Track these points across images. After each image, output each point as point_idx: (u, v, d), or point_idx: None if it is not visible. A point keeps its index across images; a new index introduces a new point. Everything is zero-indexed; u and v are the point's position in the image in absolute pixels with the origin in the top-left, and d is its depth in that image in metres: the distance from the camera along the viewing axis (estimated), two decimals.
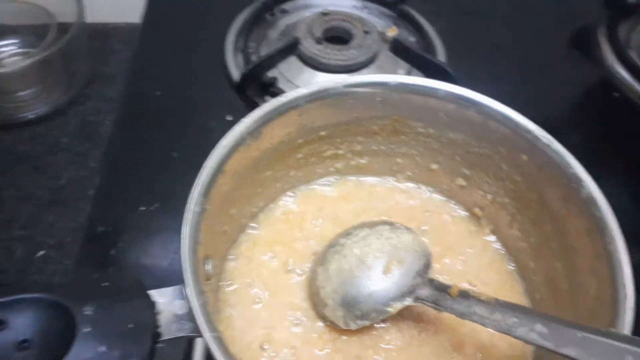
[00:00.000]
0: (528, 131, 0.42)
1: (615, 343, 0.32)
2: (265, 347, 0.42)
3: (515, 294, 0.46)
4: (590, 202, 0.39)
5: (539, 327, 0.34)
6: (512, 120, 0.43)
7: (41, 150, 0.72)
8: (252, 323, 0.43)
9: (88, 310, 0.29)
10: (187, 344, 0.53)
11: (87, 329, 0.29)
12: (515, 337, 0.35)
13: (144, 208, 0.61)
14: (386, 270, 0.41)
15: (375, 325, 0.42)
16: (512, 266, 0.48)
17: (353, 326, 0.41)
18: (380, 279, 0.41)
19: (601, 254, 0.37)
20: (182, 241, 0.33)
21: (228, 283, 0.45)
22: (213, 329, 0.31)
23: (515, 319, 0.35)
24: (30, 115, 0.74)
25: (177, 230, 0.59)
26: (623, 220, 0.37)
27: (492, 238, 0.49)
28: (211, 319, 0.31)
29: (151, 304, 0.32)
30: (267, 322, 0.43)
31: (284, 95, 0.41)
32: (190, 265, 0.33)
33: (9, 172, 0.69)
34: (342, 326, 0.41)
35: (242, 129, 0.39)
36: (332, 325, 0.43)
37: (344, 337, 0.43)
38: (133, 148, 0.67)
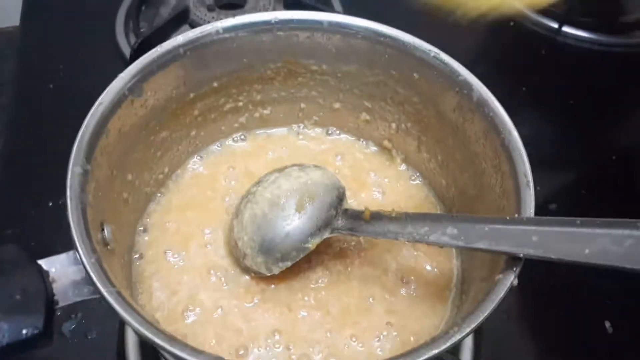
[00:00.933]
0: (415, 48, 0.42)
1: (520, 227, 0.32)
2: (191, 308, 0.40)
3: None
4: (482, 104, 0.39)
5: (449, 229, 0.34)
6: (398, 39, 0.43)
7: None
8: (174, 290, 0.42)
9: None
10: (119, 334, 0.51)
11: None
12: (429, 243, 0.35)
13: (52, 203, 0.58)
14: (299, 208, 0.40)
15: (301, 267, 0.42)
16: (427, 189, 0.48)
17: (276, 270, 0.40)
18: (294, 217, 0.40)
19: (500, 151, 0.38)
20: (67, 202, 0.31)
21: (141, 254, 0.43)
22: (109, 284, 0.29)
23: (426, 227, 0.35)
24: None
25: None
26: (528, 145, 0.37)
27: (404, 167, 0.50)
28: (109, 276, 0.30)
29: (40, 273, 0.29)
30: (189, 285, 0.42)
31: (160, 45, 0.40)
32: (77, 225, 0.30)
33: None
34: (265, 272, 0.40)
35: (119, 85, 0.37)
36: (257, 277, 0.42)
37: (272, 286, 0.42)
38: (32, 145, 0.64)
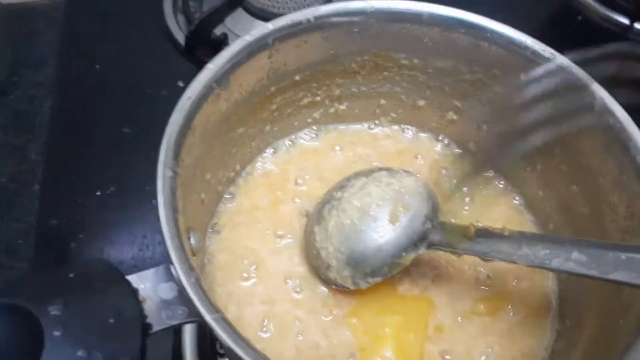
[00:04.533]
0: (526, 47, 0.38)
1: None
2: (266, 323, 0.37)
3: (525, 227, 0.43)
4: (605, 113, 0.35)
5: (575, 255, 0.30)
6: (506, 37, 0.39)
7: None
8: (247, 300, 0.38)
9: (55, 310, 0.23)
10: (175, 333, 0.47)
11: (57, 332, 0.23)
12: (551, 269, 0.31)
13: (99, 193, 0.54)
14: (393, 219, 0.36)
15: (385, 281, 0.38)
16: (518, 199, 0.44)
17: (364, 285, 0.36)
18: (387, 230, 0.36)
19: (627, 167, 0.34)
20: (159, 211, 0.28)
21: (212, 259, 0.40)
22: (214, 309, 0.25)
23: (547, 251, 0.32)
24: None
25: (141, 212, 0.54)
26: None
27: (492, 172, 0.46)
28: (210, 298, 0.26)
29: (133, 292, 0.26)
30: (263, 297, 0.38)
31: (250, 34, 0.36)
32: (173, 238, 0.27)
33: None
34: (351, 287, 0.36)
35: (207, 76, 0.34)
36: (336, 289, 0.38)
37: (353, 300, 0.38)
38: (78, 130, 0.60)
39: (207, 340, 0.48)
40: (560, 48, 0.39)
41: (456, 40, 0.40)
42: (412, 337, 0.38)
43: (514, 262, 0.32)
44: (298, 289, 0.39)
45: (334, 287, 0.38)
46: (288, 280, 0.39)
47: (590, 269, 0.30)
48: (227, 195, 0.43)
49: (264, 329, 0.37)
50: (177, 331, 0.48)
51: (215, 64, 0.34)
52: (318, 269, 0.38)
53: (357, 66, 0.42)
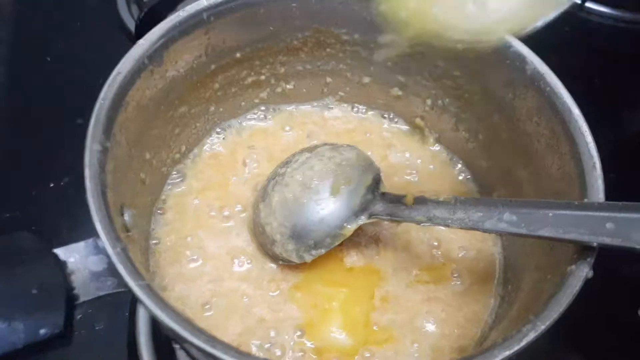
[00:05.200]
0: None
1: (592, 213, 0.29)
2: (214, 300, 0.37)
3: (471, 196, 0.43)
4: (538, 77, 0.36)
5: (507, 216, 0.31)
6: None
7: None
8: (194, 279, 0.38)
9: None
10: (129, 322, 0.47)
11: None
12: (483, 231, 0.32)
13: (52, 185, 0.54)
14: (334, 191, 0.36)
15: (334, 251, 0.38)
16: (463, 171, 0.45)
17: (308, 258, 0.36)
18: (329, 202, 0.36)
19: (558, 130, 0.34)
20: (86, 184, 0.27)
21: (158, 241, 0.40)
22: (139, 276, 0.25)
23: (480, 213, 0.32)
24: None
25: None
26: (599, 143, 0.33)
27: (438, 147, 0.46)
28: (137, 267, 0.26)
29: (59, 264, 0.26)
30: (211, 276, 0.39)
31: (184, 9, 0.35)
32: (98, 210, 0.27)
33: None
34: (296, 260, 0.37)
35: (139, 52, 0.33)
36: (283, 264, 0.39)
37: (300, 275, 0.39)
38: (31, 123, 0.59)
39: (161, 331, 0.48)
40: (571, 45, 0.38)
41: None
42: (359, 309, 0.38)
43: (448, 226, 0.33)
44: (245, 267, 0.39)
45: (280, 263, 0.38)
46: (235, 260, 0.39)
47: (520, 227, 0.30)
48: (173, 177, 0.42)
49: (209, 306, 0.37)
50: (132, 319, 0.48)
51: (147, 39, 0.34)
52: (264, 246, 0.38)
53: (299, 43, 0.42)
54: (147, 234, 0.39)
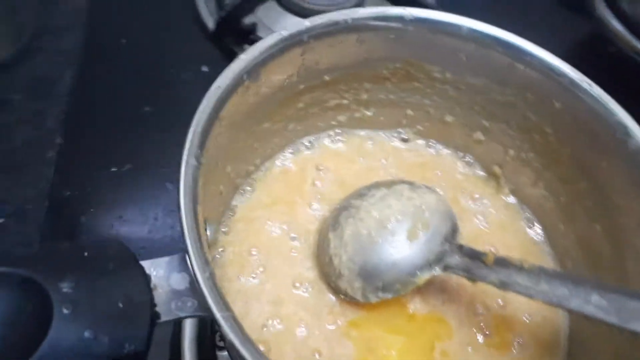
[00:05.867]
0: (563, 74, 0.37)
1: None
2: (271, 323, 0.36)
3: (541, 259, 0.42)
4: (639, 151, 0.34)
5: (595, 298, 0.30)
6: (543, 61, 0.38)
7: None
8: (255, 298, 0.38)
9: (66, 287, 0.23)
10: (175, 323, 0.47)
11: (66, 310, 0.23)
12: (569, 310, 0.30)
13: (115, 169, 0.54)
14: (411, 236, 0.36)
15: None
16: (537, 230, 0.44)
17: (373, 299, 0.36)
18: (404, 246, 0.35)
19: None
20: (180, 201, 0.27)
21: (223, 252, 0.39)
22: (224, 307, 0.25)
23: (565, 290, 0.31)
24: None
25: (155, 193, 0.54)
26: None
27: (513, 200, 0.45)
28: (223, 296, 0.25)
29: (146, 278, 0.25)
30: (271, 296, 0.38)
31: (285, 29, 0.35)
32: (191, 229, 0.26)
33: None
34: (361, 299, 0.36)
35: (239, 67, 0.33)
36: (344, 299, 0.38)
37: (360, 312, 0.38)
38: (98, 103, 0.60)
39: (207, 332, 0.48)
40: (595, 80, 0.38)
41: (491, 58, 0.39)
42: None
43: (531, 297, 0.32)
44: (305, 293, 0.38)
45: (342, 297, 0.38)
46: (297, 284, 0.39)
47: (610, 315, 0.29)
48: (243, 189, 0.42)
49: (268, 329, 0.37)
50: (177, 323, 0.48)
51: (248, 55, 0.34)
52: (328, 277, 0.38)
53: (389, 73, 0.42)
54: (215, 245, 0.38)
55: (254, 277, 0.38)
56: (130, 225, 0.50)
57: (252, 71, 0.34)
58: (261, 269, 0.39)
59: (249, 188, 0.42)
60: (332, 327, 0.37)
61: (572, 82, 0.37)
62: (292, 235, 0.41)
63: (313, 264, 0.39)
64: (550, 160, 0.41)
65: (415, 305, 0.38)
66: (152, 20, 0.67)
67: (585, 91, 0.37)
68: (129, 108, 0.59)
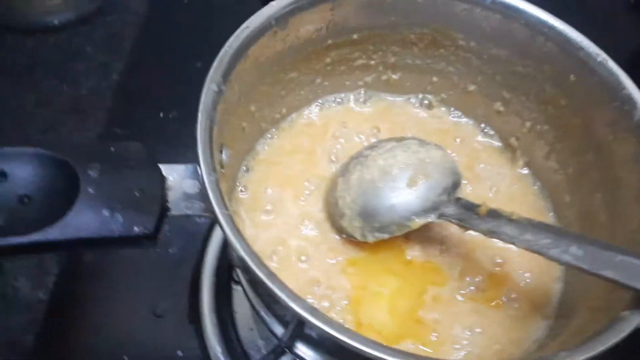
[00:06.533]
0: (580, 48, 0.39)
1: None
2: (278, 249, 0.40)
3: None
4: None
5: (573, 249, 0.31)
6: (563, 34, 0.39)
7: (63, 57, 0.70)
8: (266, 229, 0.41)
9: (93, 172, 0.27)
10: (197, 256, 0.52)
11: (90, 190, 0.27)
12: (547, 257, 0.32)
13: (162, 115, 0.59)
14: (411, 183, 0.38)
15: (398, 240, 0.40)
16: (545, 201, 0.45)
17: (370, 238, 0.38)
18: (404, 191, 0.38)
19: None
20: (198, 116, 0.31)
21: (243, 188, 0.43)
22: (225, 206, 0.29)
23: (548, 240, 0.32)
24: (55, 21, 0.72)
25: (194, 141, 0.58)
26: None
27: (526, 171, 0.46)
28: (224, 198, 0.29)
29: (161, 177, 0.30)
30: (280, 230, 0.41)
31: None
32: (203, 141, 0.30)
33: (28, 76, 0.68)
34: (359, 238, 0.39)
35: (268, 12, 0.37)
36: (347, 240, 0.41)
37: (360, 253, 0.41)
38: (156, 55, 0.65)
39: (224, 269, 0.52)
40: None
41: (514, 30, 0.41)
42: (407, 302, 0.39)
43: (514, 245, 0.34)
44: (312, 231, 0.42)
45: (343, 237, 0.41)
46: (305, 221, 0.42)
47: (583, 263, 0.31)
48: (269, 134, 0.46)
49: (273, 255, 0.40)
50: (200, 254, 0.52)
51: (278, 2, 0.37)
52: (333, 217, 0.41)
53: (416, 38, 0.44)
54: (235, 178, 0.42)
55: (268, 212, 0.42)
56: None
57: (281, 18, 0.38)
58: (275, 205, 0.42)
59: (274, 134, 0.46)
60: (332, 262, 0.40)
61: (588, 54, 0.38)
62: (307, 179, 0.44)
63: (322, 207, 0.43)
64: (563, 132, 0.42)
65: (414, 253, 0.41)
66: None
67: (600, 64, 0.38)
68: (183, 63, 0.64)
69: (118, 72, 0.68)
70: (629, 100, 0.36)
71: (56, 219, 0.26)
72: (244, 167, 0.44)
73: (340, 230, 0.40)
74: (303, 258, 0.40)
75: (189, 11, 0.69)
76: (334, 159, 0.45)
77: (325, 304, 0.38)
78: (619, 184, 0.37)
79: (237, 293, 0.51)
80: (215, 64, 0.34)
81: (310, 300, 0.39)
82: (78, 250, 0.27)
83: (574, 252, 0.31)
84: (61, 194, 0.27)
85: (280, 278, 0.38)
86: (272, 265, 0.40)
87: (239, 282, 0.51)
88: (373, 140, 0.46)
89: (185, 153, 0.56)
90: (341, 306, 0.38)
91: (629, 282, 0.29)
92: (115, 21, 0.74)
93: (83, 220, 0.26)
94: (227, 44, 0.35)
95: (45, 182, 0.27)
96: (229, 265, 0.52)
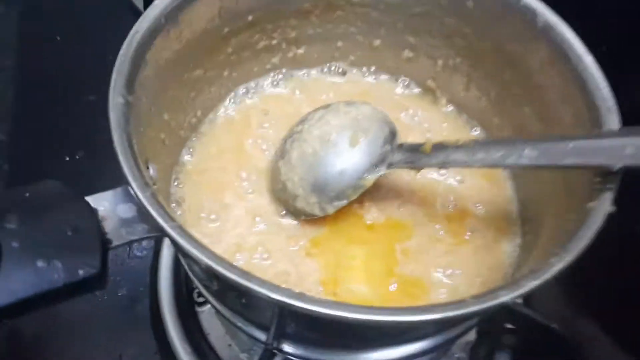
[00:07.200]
0: None
1: (611, 139, 0.30)
2: (236, 255, 0.38)
3: None
4: (548, 29, 0.36)
5: (527, 151, 0.31)
6: None
7: None
8: (218, 238, 0.39)
9: (11, 224, 0.24)
10: (151, 289, 0.48)
11: (14, 244, 0.23)
12: (505, 167, 0.33)
13: (68, 158, 0.55)
14: (353, 143, 0.37)
15: (353, 208, 0.39)
16: (476, 130, 0.46)
17: (330, 210, 0.37)
18: (348, 153, 0.37)
19: (570, 78, 0.35)
20: (112, 131, 0.28)
21: (181, 203, 0.40)
22: (170, 218, 0.26)
23: (500, 152, 0.33)
24: None
25: (112, 177, 0.54)
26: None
27: (451, 107, 0.47)
28: (167, 210, 0.27)
29: (90, 209, 0.26)
30: (232, 234, 0.39)
31: None
32: (126, 158, 0.27)
33: None
34: (319, 213, 0.37)
35: (154, 12, 0.34)
36: (303, 222, 0.39)
37: (321, 231, 0.39)
38: (43, 102, 0.60)
39: (183, 293, 0.49)
40: None
41: None
42: (381, 264, 0.38)
43: (471, 167, 0.34)
44: (264, 224, 0.40)
45: (303, 218, 0.39)
46: (257, 218, 0.40)
47: (541, 160, 0.31)
48: (191, 142, 0.43)
49: (234, 262, 0.38)
50: (153, 286, 0.49)
51: (161, 0, 0.34)
52: (286, 203, 0.39)
53: (310, 6, 0.43)
54: (168, 195, 0.39)
55: (213, 222, 0.39)
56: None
57: (169, 15, 0.35)
58: (219, 213, 0.40)
59: (196, 141, 0.43)
60: (295, 248, 0.38)
61: None
62: (243, 175, 0.42)
63: (270, 198, 0.41)
64: (475, 59, 0.43)
65: (372, 215, 0.40)
66: (82, 11, 0.67)
67: None
68: (74, 100, 0.60)
69: (5, 132, 0.62)
70: (527, 9, 0.37)
71: None
72: (175, 182, 0.41)
73: (297, 213, 0.39)
74: (265, 255, 0.38)
75: (65, 46, 0.64)
76: (264, 147, 0.43)
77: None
78: (542, 90, 0.38)
79: (204, 314, 0.48)
80: (114, 74, 0.31)
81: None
82: (19, 316, 0.23)
83: (528, 154, 0.31)
84: None
85: None
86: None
87: (203, 303, 0.48)
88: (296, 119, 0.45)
89: (106, 183, 0.53)
90: (317, 291, 0.37)
91: (590, 161, 0.29)
92: None
93: (16, 279, 0.23)
94: (121, 52, 0.32)
95: None
96: (188, 289, 0.49)
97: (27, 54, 0.65)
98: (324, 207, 0.37)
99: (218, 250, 0.38)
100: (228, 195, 0.41)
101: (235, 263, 0.36)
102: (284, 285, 0.35)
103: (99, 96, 0.60)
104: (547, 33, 0.36)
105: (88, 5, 0.67)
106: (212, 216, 0.40)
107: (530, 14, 0.37)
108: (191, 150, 0.43)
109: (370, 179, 0.36)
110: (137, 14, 0.64)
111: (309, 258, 0.38)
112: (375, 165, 0.36)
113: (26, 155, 0.57)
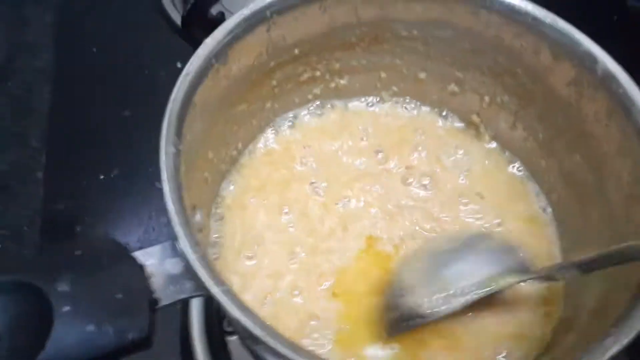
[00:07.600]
0: (526, 13, 0.38)
1: None
2: (269, 293, 0.37)
3: (529, 197, 0.43)
4: (608, 79, 0.35)
5: None
6: (504, 4, 0.38)
7: None
8: (253, 275, 0.39)
9: (63, 286, 0.24)
10: (182, 313, 0.48)
11: (66, 308, 0.23)
12: None
13: (103, 176, 0.54)
14: None
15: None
16: (521, 170, 0.44)
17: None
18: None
19: (630, 132, 0.34)
20: (164, 187, 0.27)
21: (218, 238, 0.40)
22: (220, 281, 0.25)
23: None
24: None
25: (146, 194, 0.54)
26: None
27: (494, 144, 0.45)
28: (216, 271, 0.26)
29: (139, 267, 0.26)
30: (269, 271, 0.39)
31: (247, 7, 0.35)
32: (178, 213, 0.27)
33: None
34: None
35: (205, 52, 0.33)
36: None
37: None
38: (78, 114, 0.60)
39: (214, 320, 0.49)
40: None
41: (453, 9, 0.39)
42: None
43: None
44: (299, 260, 0.39)
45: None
46: (291, 253, 0.39)
47: None
48: (230, 175, 0.43)
49: (267, 298, 0.37)
50: (184, 311, 0.49)
51: (213, 38, 0.34)
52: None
53: (356, 38, 0.42)
54: (208, 231, 0.39)
55: (250, 257, 0.39)
56: (126, 227, 0.51)
57: (220, 54, 0.34)
58: (256, 249, 0.39)
59: (236, 174, 0.43)
60: (321, 288, 0.38)
61: (535, 18, 0.37)
62: (285, 211, 0.41)
63: (307, 234, 0.40)
64: (524, 100, 0.41)
65: None
66: (119, 23, 0.67)
67: (549, 26, 0.37)
68: (108, 115, 0.60)
69: (37, 138, 0.62)
70: (588, 56, 0.36)
71: (35, 354, 0.22)
72: (215, 217, 0.41)
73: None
74: (296, 292, 0.38)
75: (100, 58, 0.64)
76: (306, 182, 0.43)
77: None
78: (595, 141, 0.36)
79: (233, 344, 0.48)
80: (165, 123, 0.30)
81: (315, 335, 0.36)
82: None
83: None
84: (34, 322, 0.23)
85: (280, 320, 0.36)
86: (267, 309, 0.37)
87: (233, 332, 0.48)
88: (338, 154, 0.44)
89: (140, 213, 0.52)
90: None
91: None
92: (18, 84, 0.67)
93: (67, 345, 0.23)
94: (172, 97, 0.31)
95: (11, 313, 0.23)
96: (217, 317, 0.48)
97: (63, 63, 0.64)
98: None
99: (253, 287, 0.37)
100: (267, 230, 0.41)
101: (267, 299, 0.36)
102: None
103: (132, 112, 0.61)
104: (607, 82, 0.35)
105: (124, 17, 0.67)
106: (249, 252, 0.40)
107: (589, 61, 0.36)
108: (231, 184, 0.42)
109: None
110: (173, 27, 0.65)
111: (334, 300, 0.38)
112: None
113: (62, 169, 0.57)
